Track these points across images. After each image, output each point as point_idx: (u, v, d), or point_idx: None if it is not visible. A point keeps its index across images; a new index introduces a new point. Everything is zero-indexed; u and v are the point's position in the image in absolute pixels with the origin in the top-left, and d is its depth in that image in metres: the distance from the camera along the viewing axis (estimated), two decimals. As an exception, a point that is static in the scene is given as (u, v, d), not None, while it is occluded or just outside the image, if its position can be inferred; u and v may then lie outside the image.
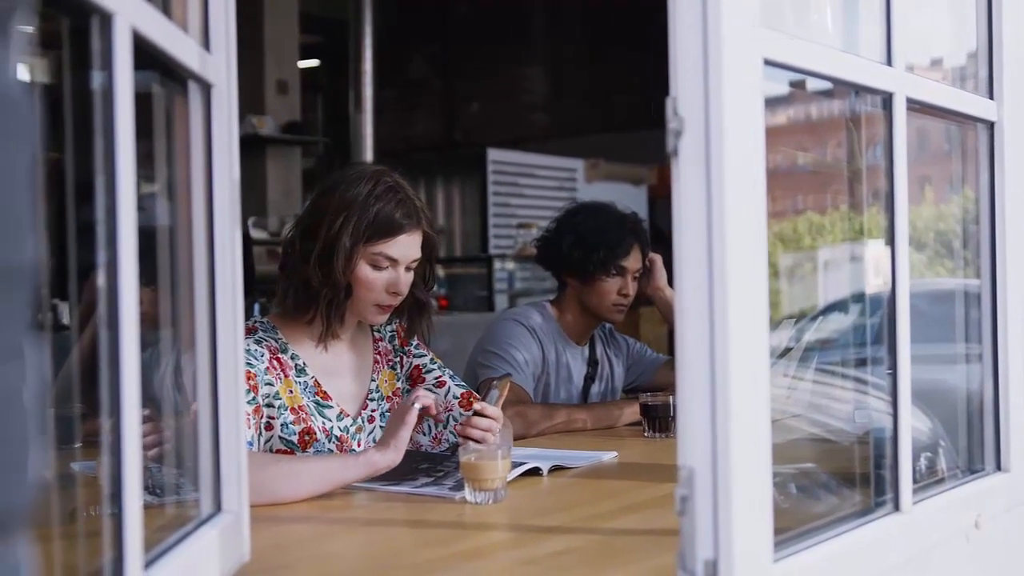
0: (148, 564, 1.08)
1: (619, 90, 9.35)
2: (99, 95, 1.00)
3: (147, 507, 1.08)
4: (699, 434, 1.17)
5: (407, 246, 2.19)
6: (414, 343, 2.41)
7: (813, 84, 1.54)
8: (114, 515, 1.01)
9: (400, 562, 1.54)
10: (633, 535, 1.68)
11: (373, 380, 2.33)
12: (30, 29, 0.62)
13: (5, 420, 0.56)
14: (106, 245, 0.99)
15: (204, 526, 1.31)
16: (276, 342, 2.20)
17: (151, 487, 1.34)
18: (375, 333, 2.39)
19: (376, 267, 2.18)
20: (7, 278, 0.55)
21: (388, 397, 2.35)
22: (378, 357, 2.37)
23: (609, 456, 2.35)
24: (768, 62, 1.24)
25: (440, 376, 2.38)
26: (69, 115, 1.04)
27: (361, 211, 2.14)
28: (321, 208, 2.18)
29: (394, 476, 2.03)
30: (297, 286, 2.19)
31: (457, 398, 2.33)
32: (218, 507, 1.36)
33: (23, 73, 0.59)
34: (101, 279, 1.00)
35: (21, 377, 0.57)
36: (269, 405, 2.12)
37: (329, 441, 2.20)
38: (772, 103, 1.27)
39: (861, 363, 1.97)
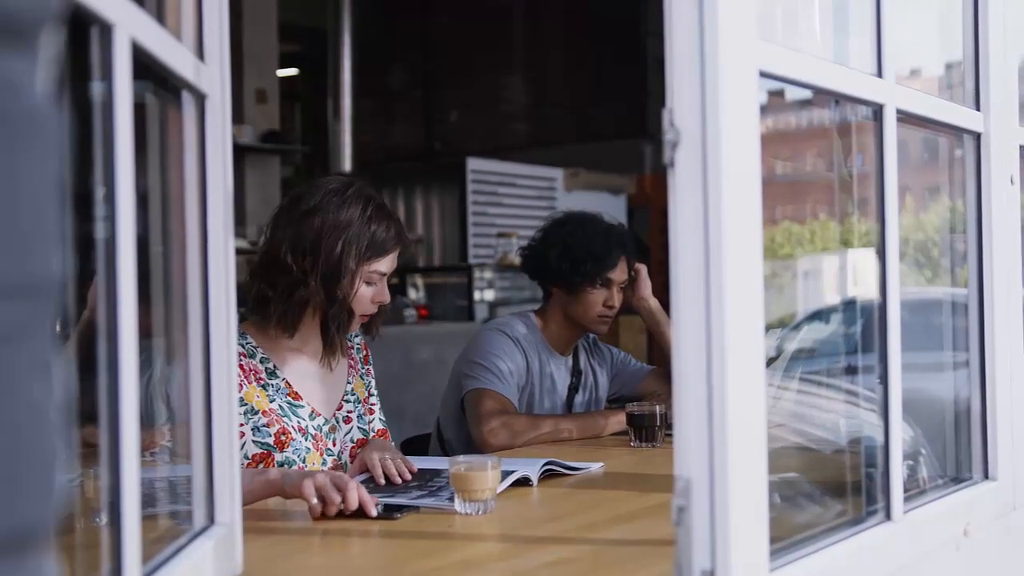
0: (144, 577, 1.08)
1: (599, 100, 9.37)
2: (98, 105, 1.00)
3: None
4: (696, 444, 1.17)
5: (394, 260, 2.32)
6: (370, 363, 2.52)
7: (791, 93, 1.55)
8: (112, 527, 1.00)
9: (392, 574, 1.53)
10: (625, 545, 1.68)
11: (349, 383, 2.41)
12: (57, 42, 0.62)
13: (34, 435, 0.55)
14: (105, 255, 0.99)
15: (198, 539, 1.30)
16: (243, 347, 2.23)
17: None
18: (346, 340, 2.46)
19: (369, 283, 2.28)
20: (35, 291, 0.55)
21: (363, 400, 2.44)
22: (352, 363, 2.45)
23: (596, 467, 2.35)
24: (764, 73, 1.25)
25: (374, 404, 2.49)
26: (67, 124, 1.03)
27: (359, 234, 2.23)
28: (313, 229, 2.22)
29: (387, 490, 2.03)
30: (298, 305, 2.24)
31: (373, 432, 2.43)
32: (211, 520, 1.35)
33: (49, 87, 0.59)
34: (100, 290, 0.99)
35: (48, 391, 0.57)
36: None
37: (305, 439, 2.25)
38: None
39: (844, 372, 1.98)
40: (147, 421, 1.47)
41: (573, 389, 3.12)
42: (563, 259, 2.99)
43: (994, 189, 1.84)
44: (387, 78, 10.31)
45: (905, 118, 1.59)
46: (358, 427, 2.39)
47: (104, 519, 1.07)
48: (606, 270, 2.98)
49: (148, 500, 1.39)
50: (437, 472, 2.18)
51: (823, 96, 1.60)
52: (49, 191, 0.57)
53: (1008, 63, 1.87)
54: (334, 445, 2.32)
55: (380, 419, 2.48)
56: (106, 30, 0.99)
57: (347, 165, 8.61)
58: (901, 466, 1.54)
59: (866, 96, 1.51)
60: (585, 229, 3.03)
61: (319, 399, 2.32)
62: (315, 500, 1.80)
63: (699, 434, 1.16)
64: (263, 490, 1.94)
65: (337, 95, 8.54)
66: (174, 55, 1.20)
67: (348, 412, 2.38)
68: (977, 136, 1.84)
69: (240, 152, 7.30)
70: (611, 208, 7.55)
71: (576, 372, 3.14)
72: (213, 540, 1.31)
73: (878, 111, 1.52)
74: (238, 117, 7.34)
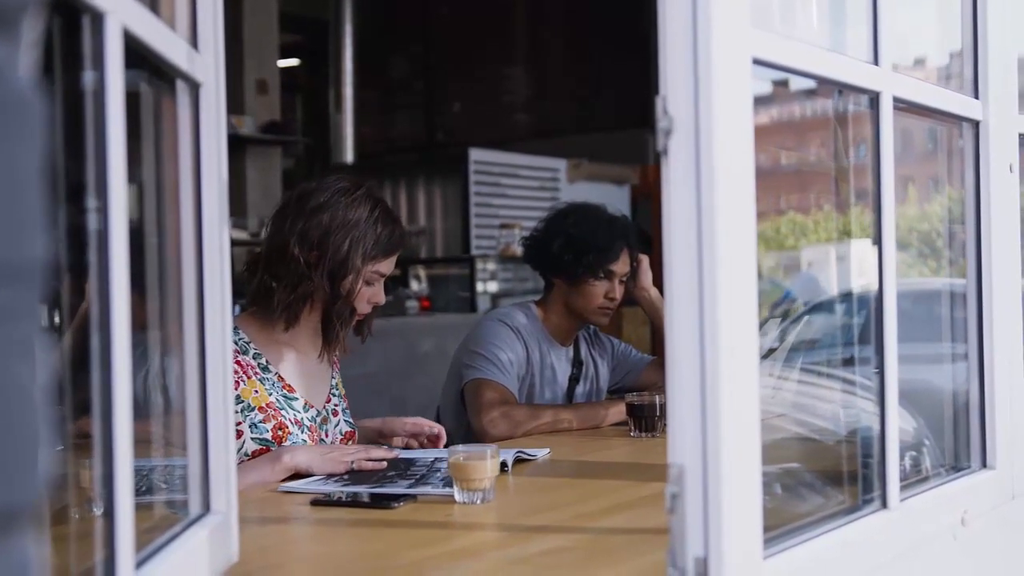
0: (139, 564, 1.08)
1: (602, 90, 9.37)
2: (90, 94, 1.00)
3: (135, 507, 1.07)
4: (689, 432, 1.17)
5: (393, 262, 2.37)
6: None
7: (796, 84, 1.55)
8: (105, 515, 1.00)
9: (389, 563, 1.53)
10: (622, 534, 1.68)
11: (333, 378, 2.46)
12: (38, 27, 0.62)
13: (17, 416, 0.56)
14: (97, 246, 0.99)
15: (193, 527, 1.30)
16: (236, 343, 2.24)
17: (138, 487, 1.33)
18: None
19: (369, 283, 2.31)
20: (20, 274, 0.56)
21: (344, 396, 2.48)
22: (335, 360, 2.48)
23: (543, 453, 2.37)
24: (757, 61, 1.24)
25: (341, 404, 2.51)
26: (58, 114, 1.04)
27: (366, 234, 2.27)
28: (321, 225, 2.25)
29: (372, 480, 2.03)
30: (301, 298, 2.27)
31: (342, 435, 2.43)
32: (207, 508, 1.36)
33: (31, 71, 0.59)
34: (92, 281, 0.99)
35: (31, 372, 0.57)
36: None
37: (301, 431, 2.29)
38: (755, 102, 1.27)
39: (846, 363, 1.98)
40: (147, 414, 1.47)
41: (574, 380, 3.12)
42: (565, 250, 2.99)
43: (993, 177, 1.83)
44: (389, 69, 10.31)
45: (902, 106, 1.59)
46: (344, 420, 2.45)
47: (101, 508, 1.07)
48: (608, 262, 2.98)
49: (145, 489, 1.39)
50: (411, 462, 2.20)
51: (826, 85, 1.60)
52: (31, 176, 0.57)
53: (1007, 51, 1.86)
54: (327, 436, 2.36)
55: (346, 420, 2.49)
56: (97, 18, 0.98)
57: (349, 156, 8.61)
58: (898, 454, 1.54)
59: (862, 84, 1.51)
60: (588, 220, 3.03)
61: (310, 392, 2.36)
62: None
63: (692, 421, 1.17)
64: (280, 476, 2.09)
65: (339, 86, 8.54)
66: (167, 44, 1.20)
67: (335, 406, 2.44)
68: (976, 124, 1.83)
69: (241, 143, 7.30)
70: (615, 199, 7.56)
71: (577, 363, 3.14)
72: (208, 528, 1.31)
73: (874, 99, 1.52)
74: (239, 108, 7.34)
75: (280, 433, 2.23)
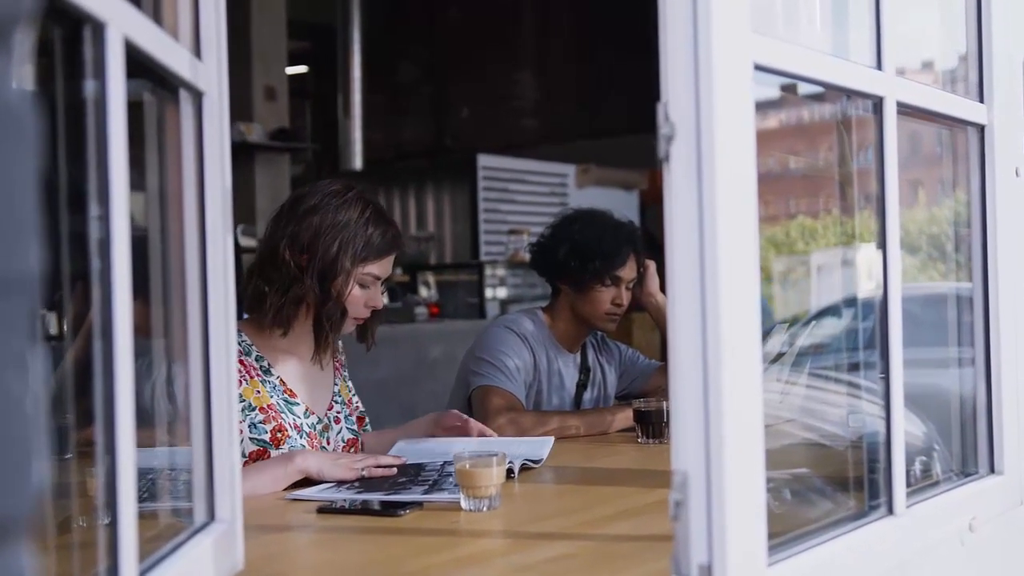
0: (142, 573, 1.08)
1: (610, 95, 9.36)
2: (91, 103, 1.00)
3: (140, 515, 1.07)
4: (692, 438, 1.17)
5: (390, 265, 2.35)
6: (345, 368, 2.54)
7: (804, 88, 1.55)
8: (109, 524, 1.01)
9: (395, 570, 1.53)
10: (627, 541, 1.67)
11: (336, 384, 2.45)
12: (31, 38, 0.62)
13: (9, 427, 0.56)
14: (99, 254, 0.99)
15: (198, 535, 1.30)
16: (239, 345, 2.25)
17: (143, 495, 1.34)
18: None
19: (362, 286, 2.30)
20: (11, 286, 0.56)
21: (348, 402, 2.47)
22: (338, 366, 2.48)
23: (547, 447, 2.37)
24: (759, 67, 1.24)
25: (358, 406, 2.52)
26: (60, 123, 1.04)
27: (356, 235, 2.27)
28: (311, 228, 2.26)
29: (384, 487, 2.03)
30: (293, 301, 2.26)
31: (344, 442, 2.43)
32: (212, 516, 1.36)
33: (25, 82, 0.59)
34: (94, 289, 1.00)
35: (24, 384, 0.57)
36: None
37: (300, 436, 2.28)
38: (763, 107, 1.28)
39: (854, 367, 1.97)
40: (153, 424, 1.48)
41: (582, 386, 3.12)
42: (572, 256, 2.98)
43: (999, 181, 1.83)
44: (397, 74, 10.32)
45: (906, 111, 1.58)
46: (347, 428, 2.44)
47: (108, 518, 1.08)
48: (615, 268, 2.98)
49: (149, 496, 1.39)
50: (422, 467, 2.20)
51: (828, 90, 1.59)
52: (25, 186, 0.57)
53: (1012, 55, 1.86)
54: (328, 444, 2.36)
55: (349, 428, 2.48)
56: (98, 29, 0.99)
57: (357, 162, 8.62)
58: (904, 460, 1.54)
59: (866, 89, 1.50)
60: (594, 226, 3.03)
61: (311, 398, 2.36)
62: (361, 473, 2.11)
63: (695, 427, 1.16)
64: (291, 478, 2.08)
65: (347, 92, 8.56)
66: (169, 53, 1.20)
67: (337, 413, 2.43)
68: (981, 128, 1.83)
69: (249, 150, 7.31)
70: (623, 204, 7.55)
71: (585, 369, 3.14)
72: (213, 536, 1.31)
73: (878, 104, 1.52)
74: (247, 115, 7.34)
75: (279, 436, 2.23)
